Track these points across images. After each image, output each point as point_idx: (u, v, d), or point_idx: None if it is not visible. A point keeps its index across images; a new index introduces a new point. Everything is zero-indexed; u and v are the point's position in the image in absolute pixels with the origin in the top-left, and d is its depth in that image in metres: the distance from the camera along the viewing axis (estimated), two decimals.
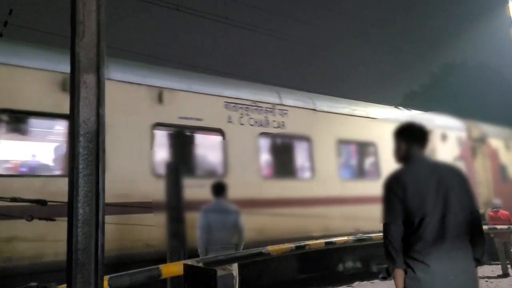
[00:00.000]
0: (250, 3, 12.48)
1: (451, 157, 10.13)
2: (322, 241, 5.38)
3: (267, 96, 7.59)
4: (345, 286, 7.85)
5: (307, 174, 7.94)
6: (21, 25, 8.38)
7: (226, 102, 6.93)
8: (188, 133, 6.73)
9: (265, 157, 7.57)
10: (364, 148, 9.14)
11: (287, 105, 7.73)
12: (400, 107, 10.43)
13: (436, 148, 9.93)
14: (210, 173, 6.78)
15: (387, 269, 2.49)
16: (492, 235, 9.00)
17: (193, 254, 4.91)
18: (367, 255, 8.14)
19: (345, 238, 5.70)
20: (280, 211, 6.96)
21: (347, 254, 7.96)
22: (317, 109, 8.19)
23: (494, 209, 9.48)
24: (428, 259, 2.36)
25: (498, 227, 8.33)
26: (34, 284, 2.44)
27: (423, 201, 2.42)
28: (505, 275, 8.83)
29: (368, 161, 9.19)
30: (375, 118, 9.16)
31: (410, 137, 2.68)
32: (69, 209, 1.70)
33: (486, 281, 8.19)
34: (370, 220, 7.92)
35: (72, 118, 1.75)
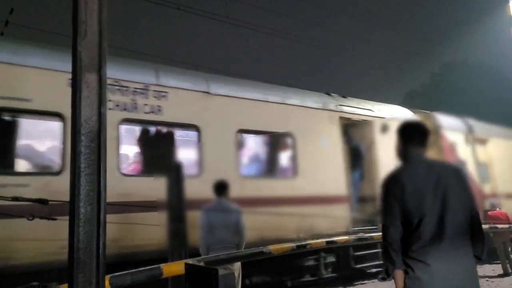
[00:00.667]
0: (250, 2, 12.47)
1: (394, 151, 9.08)
2: (323, 240, 5.39)
3: (137, 74, 6.15)
4: (347, 286, 7.85)
5: (192, 171, 6.33)
6: (22, 24, 8.39)
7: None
8: (6, 118, 5.32)
9: (130, 150, 6.33)
10: (278, 140, 7.75)
11: (168, 86, 6.27)
12: (332, 94, 8.90)
13: (375, 141, 8.75)
14: (41, 169, 5.54)
15: (386, 270, 2.49)
16: (491, 235, 9.00)
17: (196, 253, 4.91)
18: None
19: (346, 237, 5.71)
20: (147, 215, 5.34)
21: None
22: (211, 92, 6.73)
23: (493, 209, 9.47)
24: (427, 258, 2.36)
25: (499, 226, 8.32)
26: (35, 283, 2.44)
27: (421, 201, 2.42)
28: (505, 274, 8.84)
29: (283, 156, 7.82)
30: (295, 106, 7.77)
31: (408, 136, 2.68)
32: (71, 208, 1.70)
33: (487, 280, 8.18)
34: (281, 227, 6.54)
35: (73, 117, 1.75)
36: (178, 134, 6.72)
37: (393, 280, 2.50)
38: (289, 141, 7.64)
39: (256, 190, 6.78)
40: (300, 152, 7.55)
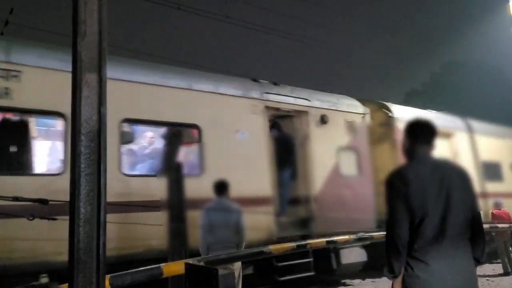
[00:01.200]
0: (250, 2, 12.46)
1: (335, 146, 7.97)
2: (323, 239, 5.39)
3: None
4: (347, 286, 7.85)
5: (53, 168, 5.28)
6: (22, 24, 8.40)
7: None
8: None
9: None
10: (179, 132, 6.61)
11: (21, 64, 5.16)
12: (260, 80, 7.73)
13: (310, 134, 7.65)
14: None
15: (391, 267, 2.45)
16: (493, 234, 8.99)
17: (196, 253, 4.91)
18: None
19: (346, 237, 5.68)
20: None
21: None
22: None
23: (496, 208, 9.43)
24: (427, 258, 2.36)
25: (500, 225, 8.31)
26: (36, 283, 2.45)
27: (424, 200, 2.41)
28: (506, 273, 8.83)
29: (186, 151, 6.70)
30: (204, 92, 6.62)
31: (415, 135, 2.67)
32: (71, 208, 1.70)
33: (487, 279, 8.18)
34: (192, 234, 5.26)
35: (74, 117, 1.75)
36: (36, 123, 5.50)
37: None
38: (194, 133, 6.52)
39: (145, 191, 5.59)
40: (208, 147, 6.41)
